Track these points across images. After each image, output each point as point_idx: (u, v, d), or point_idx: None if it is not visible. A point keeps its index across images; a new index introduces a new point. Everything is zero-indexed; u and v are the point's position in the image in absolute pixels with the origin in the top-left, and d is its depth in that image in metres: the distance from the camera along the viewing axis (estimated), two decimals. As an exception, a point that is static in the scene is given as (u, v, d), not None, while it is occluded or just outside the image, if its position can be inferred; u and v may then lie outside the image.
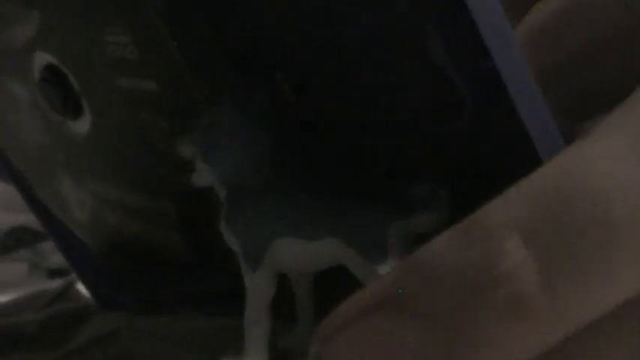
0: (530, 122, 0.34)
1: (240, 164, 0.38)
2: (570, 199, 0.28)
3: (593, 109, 0.39)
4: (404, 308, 0.28)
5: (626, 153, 0.29)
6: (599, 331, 0.28)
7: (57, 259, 0.74)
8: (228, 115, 0.38)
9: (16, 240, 0.86)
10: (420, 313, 0.28)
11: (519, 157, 0.34)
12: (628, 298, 0.28)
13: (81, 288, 0.63)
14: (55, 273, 0.77)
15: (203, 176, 0.39)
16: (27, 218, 0.84)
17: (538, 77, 0.39)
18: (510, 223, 0.29)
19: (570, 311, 0.27)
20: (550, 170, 0.30)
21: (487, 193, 0.37)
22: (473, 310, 0.27)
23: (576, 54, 0.39)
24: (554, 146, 0.34)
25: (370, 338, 0.28)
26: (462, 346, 0.27)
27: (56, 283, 0.67)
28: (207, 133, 0.38)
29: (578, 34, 0.39)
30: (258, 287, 0.38)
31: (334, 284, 0.41)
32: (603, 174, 0.29)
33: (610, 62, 0.38)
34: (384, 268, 0.35)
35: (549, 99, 0.37)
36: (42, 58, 0.48)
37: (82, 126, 0.49)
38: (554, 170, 0.30)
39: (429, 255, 0.29)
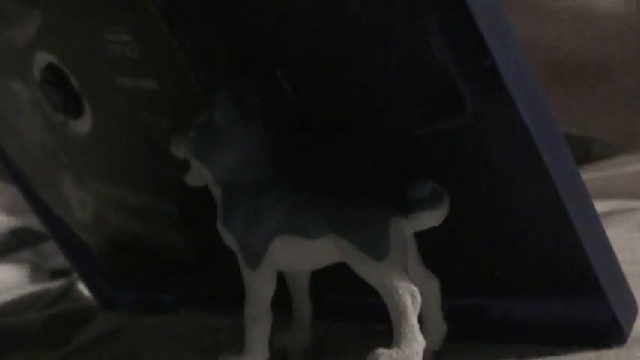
0: (530, 119, 0.34)
1: (237, 163, 0.38)
2: None
3: None
4: None
5: None
6: None
7: (59, 259, 0.74)
8: (224, 113, 0.38)
9: (19, 241, 0.86)
10: None
11: (519, 154, 0.35)
12: None
13: (82, 288, 0.64)
14: (57, 273, 0.77)
15: (197, 175, 0.39)
16: (30, 220, 0.84)
17: None
18: None
19: None
20: None
21: (487, 191, 0.37)
22: None
23: None
24: (554, 142, 0.35)
25: None
26: None
27: (58, 283, 0.67)
28: (203, 132, 0.38)
29: None
30: (257, 285, 0.38)
31: (331, 283, 0.41)
32: None
33: None
34: (385, 264, 0.35)
35: None
36: (43, 58, 0.48)
37: (84, 125, 0.49)
38: None
39: None
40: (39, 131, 0.53)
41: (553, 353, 0.37)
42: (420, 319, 0.36)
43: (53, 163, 0.54)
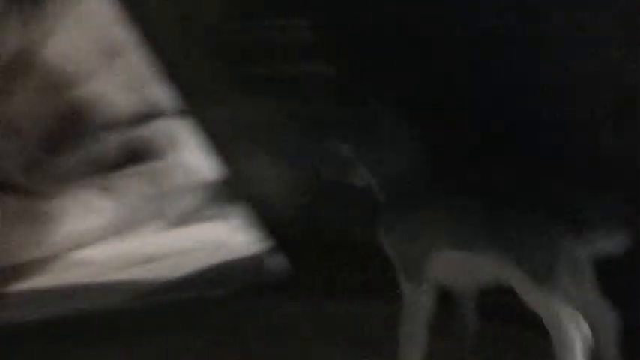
0: None
1: (400, 167, 0.37)
2: None
3: None
4: None
5: None
6: None
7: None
8: (388, 115, 0.37)
9: (226, 195, 0.90)
10: None
11: None
12: None
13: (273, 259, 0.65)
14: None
15: (360, 175, 0.38)
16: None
17: None
18: None
19: None
20: None
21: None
22: None
23: None
24: None
25: None
26: None
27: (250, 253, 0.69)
28: (367, 132, 0.37)
29: None
30: (415, 300, 0.36)
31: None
32: None
33: None
34: (551, 290, 0.32)
35: None
36: None
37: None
38: None
39: None
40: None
41: None
42: (593, 353, 0.33)
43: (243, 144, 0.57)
